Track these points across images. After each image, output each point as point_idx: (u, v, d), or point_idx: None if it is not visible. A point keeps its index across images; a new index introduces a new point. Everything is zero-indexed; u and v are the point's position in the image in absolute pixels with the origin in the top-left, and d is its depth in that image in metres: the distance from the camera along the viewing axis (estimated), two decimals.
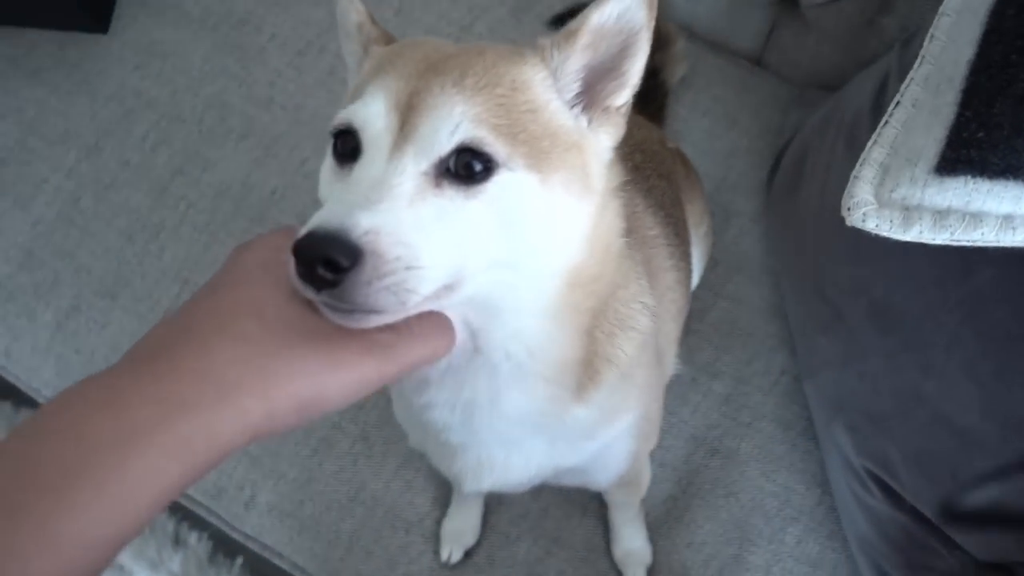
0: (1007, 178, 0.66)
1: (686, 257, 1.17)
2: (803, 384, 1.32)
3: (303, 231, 0.59)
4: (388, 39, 0.79)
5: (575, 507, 1.35)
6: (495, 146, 0.65)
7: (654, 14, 0.69)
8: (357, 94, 0.70)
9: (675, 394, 1.37)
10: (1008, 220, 0.68)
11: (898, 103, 0.74)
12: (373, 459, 1.36)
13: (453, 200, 0.64)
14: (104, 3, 1.69)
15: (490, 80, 0.67)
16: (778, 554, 1.30)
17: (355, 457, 1.36)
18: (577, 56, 0.71)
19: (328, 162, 0.71)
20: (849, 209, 0.72)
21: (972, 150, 0.67)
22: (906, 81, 0.74)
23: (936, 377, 1.01)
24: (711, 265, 1.44)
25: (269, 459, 1.37)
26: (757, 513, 1.32)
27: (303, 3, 1.67)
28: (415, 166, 0.64)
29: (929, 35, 0.75)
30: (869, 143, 0.74)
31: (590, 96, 0.73)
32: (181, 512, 1.57)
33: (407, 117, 0.65)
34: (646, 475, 1.22)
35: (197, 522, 1.54)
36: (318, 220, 0.59)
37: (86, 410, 0.53)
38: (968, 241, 0.69)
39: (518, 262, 0.69)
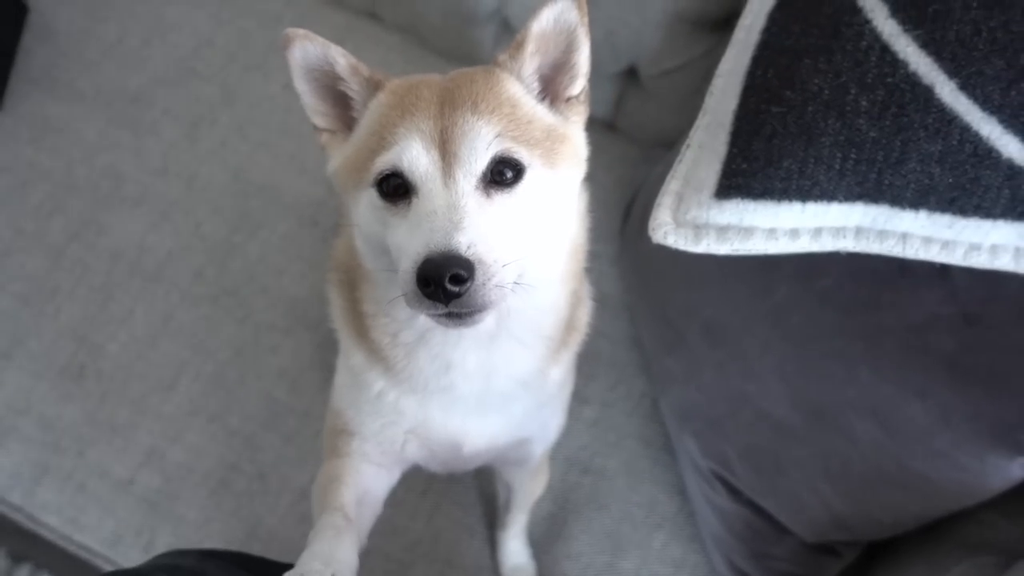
0: (766, 199, 0.84)
1: None
2: (659, 402, 1.49)
3: (416, 258, 0.75)
4: (384, 76, 0.92)
5: (464, 531, 1.46)
6: (520, 152, 0.83)
7: (585, 11, 0.86)
8: (389, 140, 0.83)
9: None
10: (772, 232, 0.86)
11: (689, 145, 0.93)
12: (269, 496, 1.43)
13: (502, 203, 0.82)
14: None
15: (495, 102, 0.84)
16: (646, 559, 1.43)
17: (252, 495, 1.44)
18: (528, 61, 0.88)
19: (375, 202, 0.85)
20: (653, 230, 0.89)
21: (739, 178, 0.85)
22: (694, 128, 0.93)
23: (755, 380, 1.19)
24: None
25: (167, 503, 1.43)
26: (626, 523, 1.46)
27: (194, 80, 1.79)
28: (468, 185, 0.81)
29: (710, 91, 0.95)
30: (668, 177, 0.92)
31: (552, 92, 0.91)
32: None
33: (445, 149, 0.81)
34: (546, 472, 1.36)
35: None
36: (428, 247, 0.75)
37: None
38: (744, 250, 0.87)
39: (548, 242, 0.89)
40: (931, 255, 0.84)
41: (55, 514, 1.46)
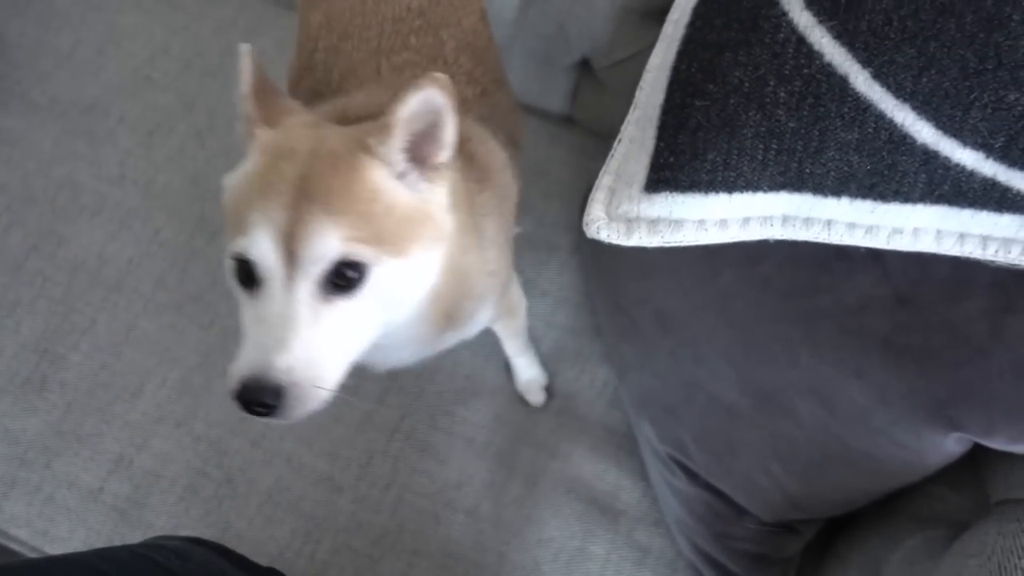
0: (693, 191, 0.86)
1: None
2: (619, 390, 1.51)
3: (235, 376, 0.78)
4: (270, 113, 0.90)
5: (429, 519, 1.48)
6: (364, 253, 0.82)
7: (452, 92, 0.85)
8: (247, 220, 0.82)
9: (520, 408, 1.54)
10: (701, 223, 0.88)
11: (620, 140, 0.94)
12: (237, 500, 1.45)
13: (342, 307, 0.82)
14: None
15: (352, 197, 0.83)
16: (615, 543, 1.46)
17: (220, 500, 1.45)
18: (395, 140, 0.87)
19: (234, 283, 0.86)
20: (587, 224, 0.91)
21: (667, 171, 0.87)
22: (625, 123, 0.95)
23: (705, 365, 1.21)
24: (539, 295, 1.62)
25: (135, 511, 1.44)
26: (594, 508, 1.48)
27: (150, 89, 1.79)
28: (306, 289, 0.81)
29: (640, 86, 0.96)
30: (601, 172, 0.94)
31: (418, 158, 0.90)
32: None
33: (290, 245, 0.81)
34: (517, 302, 1.40)
35: None
36: (246, 368, 0.78)
37: None
38: (675, 242, 0.89)
39: (398, 318, 0.90)
40: (856, 240, 0.86)
41: (25, 527, 1.47)
